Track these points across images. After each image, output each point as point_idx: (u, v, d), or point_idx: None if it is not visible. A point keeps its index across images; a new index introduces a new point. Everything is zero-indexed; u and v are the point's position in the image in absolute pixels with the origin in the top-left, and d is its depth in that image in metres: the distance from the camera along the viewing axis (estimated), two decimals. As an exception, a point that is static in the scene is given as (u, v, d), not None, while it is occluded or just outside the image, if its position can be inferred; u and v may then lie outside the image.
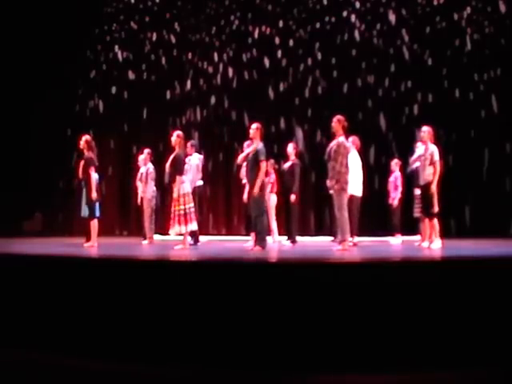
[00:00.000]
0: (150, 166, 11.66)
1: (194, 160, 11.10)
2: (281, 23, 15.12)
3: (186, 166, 10.09)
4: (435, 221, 9.17)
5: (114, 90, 16.56)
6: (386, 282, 5.90)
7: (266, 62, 15.14)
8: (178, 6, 16.19)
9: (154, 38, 16.42)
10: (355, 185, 10.09)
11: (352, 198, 9.92)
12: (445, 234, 12.06)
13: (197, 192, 10.69)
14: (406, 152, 13.18)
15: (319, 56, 14.67)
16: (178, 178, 9.34)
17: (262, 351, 5.79)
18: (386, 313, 5.77)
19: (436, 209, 9.09)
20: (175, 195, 9.31)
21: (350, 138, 10.21)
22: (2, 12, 15.32)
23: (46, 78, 15.49)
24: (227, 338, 5.90)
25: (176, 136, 9.57)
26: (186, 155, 10.45)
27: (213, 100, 15.51)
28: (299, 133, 14.08)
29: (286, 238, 11.00)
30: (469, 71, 13.30)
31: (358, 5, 14.44)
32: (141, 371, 5.85)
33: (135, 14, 16.67)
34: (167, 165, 9.50)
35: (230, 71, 15.49)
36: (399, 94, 13.79)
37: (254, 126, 9.20)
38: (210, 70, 15.70)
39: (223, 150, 15.12)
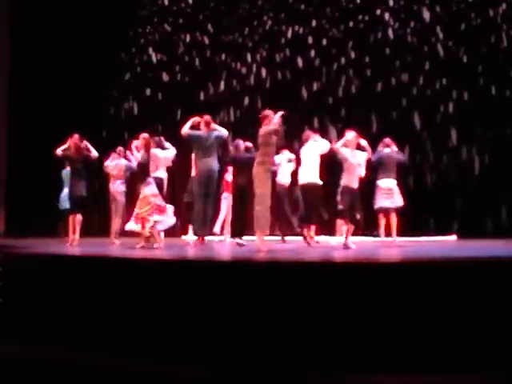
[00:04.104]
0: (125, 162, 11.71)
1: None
2: (314, 22, 15.07)
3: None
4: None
5: (148, 91, 16.71)
6: (401, 282, 5.87)
7: (299, 61, 15.11)
8: (210, 8, 16.26)
9: (188, 39, 16.53)
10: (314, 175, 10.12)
11: (310, 188, 9.99)
12: (480, 233, 12.01)
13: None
14: (440, 151, 13.15)
15: (352, 55, 14.58)
16: (144, 179, 9.57)
17: (298, 351, 5.82)
18: (398, 314, 5.74)
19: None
20: (141, 196, 9.46)
21: (306, 132, 10.30)
22: (35, 15, 15.64)
23: (81, 81, 15.69)
24: (256, 335, 5.95)
25: (142, 139, 9.88)
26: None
27: (246, 100, 15.55)
28: (333, 132, 14.00)
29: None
30: (505, 68, 13.08)
31: (391, 2, 14.31)
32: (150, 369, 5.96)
33: (168, 16, 16.80)
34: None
35: (263, 71, 15.51)
36: (434, 93, 13.60)
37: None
38: (243, 70, 15.74)
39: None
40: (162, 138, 11.26)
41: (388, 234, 10.33)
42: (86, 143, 10.99)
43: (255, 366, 5.81)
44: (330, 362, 5.73)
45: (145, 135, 9.98)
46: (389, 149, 10.36)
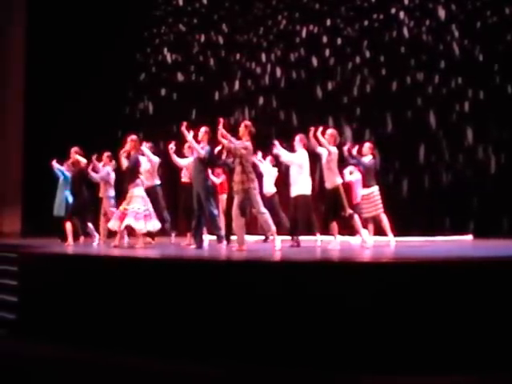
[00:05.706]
0: (109, 169, 11.56)
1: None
2: (328, 22, 15.03)
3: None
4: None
5: (163, 91, 16.79)
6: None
7: (314, 61, 15.08)
8: (225, 7, 16.29)
9: (202, 39, 16.57)
10: (305, 184, 9.90)
11: (300, 197, 9.81)
12: (497, 233, 11.92)
13: (152, 192, 10.59)
14: (456, 150, 13.05)
15: (367, 54, 14.52)
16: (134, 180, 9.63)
17: (315, 351, 5.82)
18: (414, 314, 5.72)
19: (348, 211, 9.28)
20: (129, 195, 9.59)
21: (297, 137, 10.10)
22: (51, 15, 15.73)
23: (97, 81, 15.77)
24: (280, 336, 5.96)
25: (130, 140, 9.85)
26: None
27: (261, 100, 15.55)
28: (348, 131, 13.98)
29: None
30: (521, 66, 12.99)
31: (406, 1, 14.22)
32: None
33: (183, 17, 16.85)
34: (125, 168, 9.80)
35: (278, 71, 15.50)
36: (449, 91, 13.50)
37: (203, 129, 9.55)
38: (258, 70, 15.74)
39: (272, 150, 15.10)
40: (146, 145, 11.16)
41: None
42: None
43: (253, 365, 5.84)
44: (332, 362, 5.73)
45: (133, 137, 10.00)
46: (362, 159, 10.46)
